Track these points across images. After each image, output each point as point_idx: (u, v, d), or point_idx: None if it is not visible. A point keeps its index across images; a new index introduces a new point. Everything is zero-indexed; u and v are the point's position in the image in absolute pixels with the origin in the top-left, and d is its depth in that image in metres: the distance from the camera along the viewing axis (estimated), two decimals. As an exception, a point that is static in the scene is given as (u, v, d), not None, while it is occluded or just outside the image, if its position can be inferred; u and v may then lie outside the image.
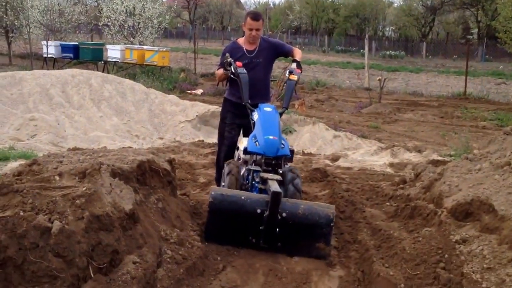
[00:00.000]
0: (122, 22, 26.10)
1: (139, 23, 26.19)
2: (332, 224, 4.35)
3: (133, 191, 3.69)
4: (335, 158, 8.85)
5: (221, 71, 5.42)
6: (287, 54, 5.65)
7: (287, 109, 5.52)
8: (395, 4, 64.01)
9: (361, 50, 41.58)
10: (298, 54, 5.56)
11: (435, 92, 21.74)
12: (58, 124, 9.77)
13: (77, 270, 3.11)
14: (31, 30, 24.66)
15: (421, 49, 49.72)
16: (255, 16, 5.42)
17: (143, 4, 26.39)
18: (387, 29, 65.76)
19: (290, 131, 10.23)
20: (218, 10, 61.88)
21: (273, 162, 4.76)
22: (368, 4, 57.84)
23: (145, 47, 22.55)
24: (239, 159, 5.14)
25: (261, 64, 5.53)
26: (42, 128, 9.45)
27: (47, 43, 22.93)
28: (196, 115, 10.89)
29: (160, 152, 7.07)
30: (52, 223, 3.14)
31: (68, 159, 4.08)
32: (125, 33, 26.38)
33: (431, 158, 8.21)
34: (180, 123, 10.96)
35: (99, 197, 3.42)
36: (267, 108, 5.10)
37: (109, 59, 22.47)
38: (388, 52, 46.63)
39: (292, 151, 5.01)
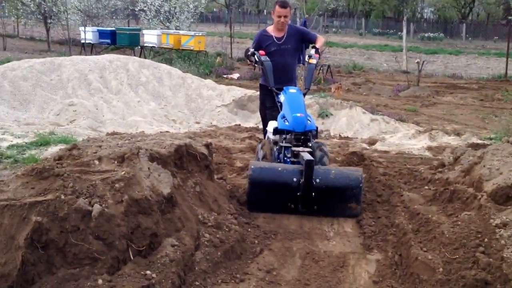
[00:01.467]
0: (159, 7, 26.23)
1: (175, 7, 26.28)
2: (361, 185, 4.82)
3: (171, 175, 3.73)
4: (372, 142, 8.74)
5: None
6: (311, 41, 6.09)
7: (309, 89, 6.04)
8: (434, -15, 62.43)
9: (399, 33, 40.79)
10: (320, 42, 6.00)
11: (475, 74, 21.21)
12: (97, 109, 9.93)
13: (117, 253, 3.17)
14: (69, 16, 25.04)
15: (460, 31, 48.41)
16: (283, 3, 5.78)
17: (179, -11, 26.48)
18: (425, 10, 64.23)
19: (327, 115, 10.14)
20: (253, -6, 61.59)
21: (302, 137, 5.24)
22: (406, -15, 56.60)
23: (181, 32, 22.62)
24: (263, 144, 5.54)
25: (289, 50, 5.93)
26: (81, 113, 9.63)
27: (84, 29, 23.26)
28: (233, 100, 10.90)
29: (197, 136, 7.14)
30: (92, 206, 3.20)
31: (107, 143, 4.15)
32: (161, 18, 26.53)
33: (470, 142, 8.01)
34: (217, 108, 11.00)
35: (138, 181, 3.47)
36: (292, 89, 5.62)
37: (145, 44, 22.66)
38: (426, 34, 45.60)
39: (316, 128, 5.43)
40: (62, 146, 6.86)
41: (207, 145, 4.76)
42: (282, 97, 5.64)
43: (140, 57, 18.52)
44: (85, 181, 3.40)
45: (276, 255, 4.01)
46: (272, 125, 5.56)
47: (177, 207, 3.62)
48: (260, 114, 6.45)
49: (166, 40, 21.69)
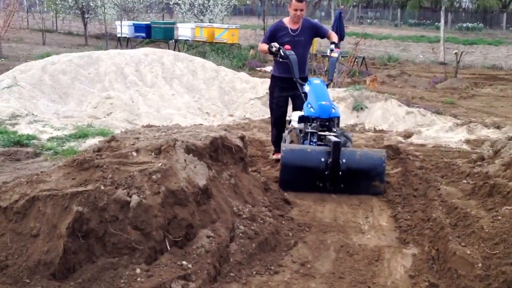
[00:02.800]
0: (192, 1, 26.40)
1: (208, 1, 26.41)
2: (384, 165, 5.29)
3: (207, 167, 3.77)
4: (408, 135, 8.62)
5: (264, 46, 6.17)
6: (323, 35, 6.48)
7: (331, 81, 6.59)
8: (473, -26, 60.93)
9: (436, 23, 39.98)
10: (334, 37, 6.35)
11: (516, 65, 20.68)
12: (132, 102, 10.06)
13: (154, 243, 3.23)
14: (105, 11, 25.41)
15: (500, 21, 47.13)
16: None
17: (212, -18, 26.59)
18: (464, 0, 62.79)
19: (362, 108, 10.04)
20: (287, -14, 61.26)
21: (327, 123, 5.65)
22: (443, -25, 55.36)
23: (214, 25, 22.71)
24: (290, 130, 5.99)
25: (302, 42, 6.27)
26: (117, 106, 9.78)
27: (121, 23, 23.58)
28: (266, 92, 10.86)
29: (231, 129, 7.17)
30: (130, 197, 3.27)
31: (144, 135, 4.21)
32: (195, 12, 26.70)
33: (511, 135, 7.84)
34: (250, 100, 11.01)
35: (174, 172, 3.52)
36: (316, 80, 6.08)
37: (179, 38, 22.82)
38: (465, 25, 44.56)
39: (339, 116, 5.82)
40: (99, 138, 7.00)
41: (242, 138, 4.79)
42: (307, 88, 6.01)
43: (174, 50, 18.67)
44: (123, 172, 3.46)
45: (310, 247, 4.01)
46: (296, 114, 5.97)
47: (212, 198, 3.66)
48: (269, 104, 6.73)
49: (200, 33, 21.81)
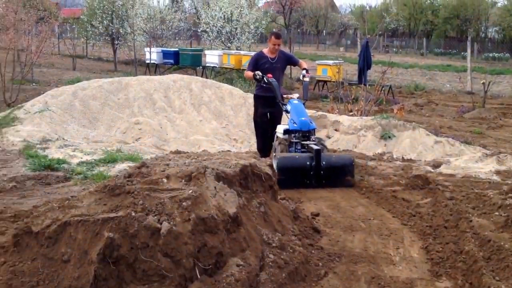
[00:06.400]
0: (220, 28, 26.79)
1: (236, 28, 26.76)
2: (353, 163, 6.82)
3: (237, 195, 3.76)
4: (436, 165, 8.49)
5: (250, 74, 7.64)
6: (295, 63, 8.33)
7: (306, 100, 8.01)
8: (499, 4, 60.47)
9: (462, 53, 39.78)
10: (304, 64, 8.16)
11: (545, 95, 20.36)
12: (161, 127, 10.18)
13: (184, 271, 3.21)
14: (135, 38, 25.93)
15: (528, 50, 46.66)
16: (277, 35, 7.81)
17: (240, 10, 26.95)
18: (490, 30, 62.34)
19: (389, 137, 9.96)
20: (313, 14, 61.44)
21: (307, 134, 7.15)
22: (469, 5, 55.01)
23: (242, 52, 22.95)
24: (279, 142, 7.31)
25: (278, 68, 7.86)
26: (146, 131, 9.90)
27: (150, 49, 23.99)
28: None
29: (259, 156, 7.18)
30: (161, 224, 3.27)
31: (174, 162, 4.23)
32: (222, 39, 27.05)
33: (543, 166, 7.67)
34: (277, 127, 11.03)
35: (205, 199, 3.52)
36: (295, 101, 7.57)
37: (207, 64, 23.10)
38: (491, 54, 44.21)
39: (314, 128, 7.35)
40: (128, 164, 7.07)
41: (271, 166, 4.78)
42: (288, 107, 7.49)
43: (201, 77, 18.88)
44: (154, 199, 3.47)
45: (340, 278, 3.94)
46: (281, 127, 7.40)
47: (242, 226, 3.64)
48: (253, 120, 8.24)
49: (228, 60, 22.05)
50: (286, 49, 29.08)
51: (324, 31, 65.10)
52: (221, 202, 3.59)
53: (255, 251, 3.62)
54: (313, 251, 4.30)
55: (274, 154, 7.29)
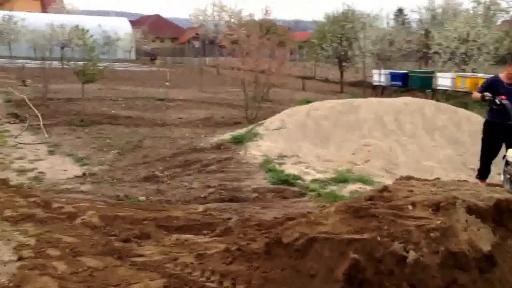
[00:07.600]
0: (455, 49, 25.47)
1: (472, 49, 25.19)
2: None
3: (491, 231, 3.47)
4: None
5: (478, 94, 7.01)
6: None
7: None
8: None
9: None
10: None
11: None
12: (391, 151, 10.01)
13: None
14: (364, 60, 26.22)
15: None
16: None
17: (477, 30, 25.32)
18: None
19: None
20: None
21: None
22: None
23: (478, 74, 21.57)
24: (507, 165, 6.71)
25: None
26: (375, 153, 9.84)
27: (379, 71, 24.00)
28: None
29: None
30: (407, 252, 3.16)
31: (418, 189, 4.09)
32: (456, 61, 25.68)
33: None
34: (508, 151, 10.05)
35: (455, 232, 3.31)
36: None
37: (438, 87, 22.21)
38: None
39: None
40: (359, 185, 7.10)
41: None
42: None
43: (431, 100, 18.18)
44: (399, 226, 3.39)
45: None
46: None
47: (496, 267, 3.33)
48: (482, 150, 7.41)
49: (462, 83, 20.93)
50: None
51: None
52: (473, 238, 3.33)
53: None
54: None
55: (506, 182, 6.65)
